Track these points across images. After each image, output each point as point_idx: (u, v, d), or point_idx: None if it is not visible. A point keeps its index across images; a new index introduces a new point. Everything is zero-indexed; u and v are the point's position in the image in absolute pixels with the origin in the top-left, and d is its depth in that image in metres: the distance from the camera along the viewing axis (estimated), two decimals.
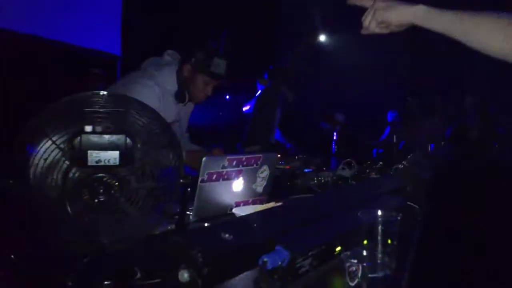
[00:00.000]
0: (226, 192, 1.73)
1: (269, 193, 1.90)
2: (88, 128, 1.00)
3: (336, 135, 4.58)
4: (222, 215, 1.72)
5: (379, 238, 1.13)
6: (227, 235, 0.87)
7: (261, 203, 1.83)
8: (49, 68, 3.99)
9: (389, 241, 1.15)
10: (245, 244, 0.89)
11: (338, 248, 1.14)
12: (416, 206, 1.72)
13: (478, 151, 4.04)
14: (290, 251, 0.93)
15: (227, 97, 6.35)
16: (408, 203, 1.73)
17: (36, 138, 1.02)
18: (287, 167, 2.59)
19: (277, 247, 0.94)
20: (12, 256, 1.08)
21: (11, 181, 1.01)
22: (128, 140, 1.03)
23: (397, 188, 1.73)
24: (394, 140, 4.06)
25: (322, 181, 2.34)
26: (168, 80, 2.29)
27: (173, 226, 1.34)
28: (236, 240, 0.87)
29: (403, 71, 5.95)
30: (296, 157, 3.02)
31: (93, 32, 4.84)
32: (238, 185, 1.76)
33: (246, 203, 1.81)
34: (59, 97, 1.08)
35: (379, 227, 1.12)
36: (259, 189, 1.86)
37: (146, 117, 1.09)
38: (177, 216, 1.67)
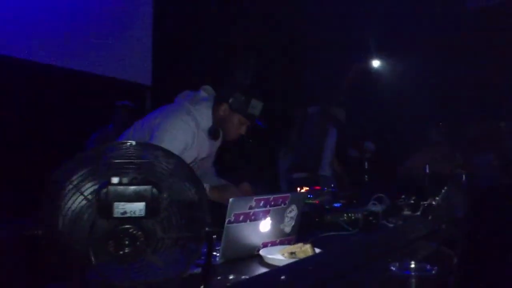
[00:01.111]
0: (253, 233, 1.71)
1: (297, 233, 1.87)
2: (115, 180, 1.00)
3: (367, 164, 4.49)
4: (249, 256, 1.69)
5: None
6: None
7: (289, 243, 1.79)
8: (77, 101, 4.09)
9: None
10: None
11: None
12: (451, 251, 1.64)
13: None
14: None
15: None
16: (443, 249, 1.66)
17: (64, 188, 1.02)
18: (316, 202, 2.55)
19: None
20: None
21: (40, 231, 1.02)
22: (155, 190, 1.02)
23: (431, 231, 1.66)
24: (427, 170, 3.93)
25: (352, 218, 2.28)
26: (204, 117, 2.30)
27: (199, 270, 1.32)
28: None
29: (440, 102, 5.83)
30: (325, 189, 2.96)
31: (123, 62, 4.94)
32: (265, 225, 1.74)
33: (273, 243, 1.78)
34: (89, 130, 1.09)
35: (413, 281, 1.07)
36: (287, 229, 1.82)
37: (173, 166, 1.08)
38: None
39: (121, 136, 2.34)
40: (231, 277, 1.37)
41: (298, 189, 2.91)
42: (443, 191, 2.44)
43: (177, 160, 1.10)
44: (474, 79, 5.42)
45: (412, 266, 1.09)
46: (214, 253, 1.67)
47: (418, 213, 2.21)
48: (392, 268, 1.08)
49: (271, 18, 5.63)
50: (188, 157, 2.27)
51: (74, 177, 1.02)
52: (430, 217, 2.07)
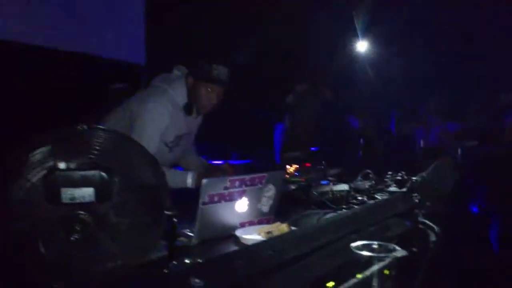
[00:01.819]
0: (229, 213, 1.69)
1: (275, 212, 1.84)
2: (62, 165, 0.97)
3: (362, 140, 4.45)
4: (225, 237, 1.67)
5: (375, 273, 1.05)
6: (197, 281, 0.82)
7: (268, 222, 1.78)
8: (70, 83, 4.05)
9: (387, 272, 1.07)
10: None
11: (331, 284, 1.07)
12: (433, 226, 1.61)
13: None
14: None
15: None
16: (424, 222, 1.63)
17: (13, 174, 1.00)
18: (302, 179, 2.52)
19: None
20: None
21: None
22: (104, 174, 0.99)
23: (410, 208, 1.63)
24: (422, 144, 3.89)
25: (338, 195, 2.25)
26: (178, 94, 2.34)
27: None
28: (207, 286, 0.82)
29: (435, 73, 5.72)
30: (315, 167, 2.93)
31: (116, 42, 4.87)
32: (242, 205, 1.71)
33: (252, 223, 1.76)
34: (76, 115, 1.07)
35: (375, 261, 1.05)
36: (265, 208, 1.80)
37: (125, 150, 1.05)
38: (182, 238, 1.66)
39: (103, 123, 2.33)
40: (201, 258, 1.35)
41: (288, 166, 2.88)
42: (431, 166, 2.40)
43: (131, 143, 1.07)
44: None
45: (375, 246, 1.07)
46: (190, 233, 1.66)
47: (404, 189, 2.18)
48: (354, 247, 1.06)
49: None
50: (169, 136, 2.28)
51: (23, 164, 1.00)
52: (415, 193, 2.03)
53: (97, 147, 1.01)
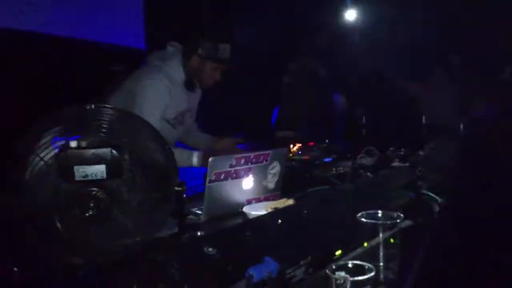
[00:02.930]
0: (236, 191, 1.72)
1: (281, 189, 1.87)
2: (73, 144, 1.00)
3: (364, 118, 4.44)
4: (233, 214, 1.71)
5: (380, 240, 1.08)
6: (210, 249, 0.85)
7: (274, 199, 1.81)
8: (68, 69, 4.04)
9: (392, 241, 1.10)
10: (229, 258, 0.87)
11: (338, 252, 1.10)
12: (437, 199, 1.64)
13: None
14: (278, 261, 0.90)
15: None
16: (428, 193, 1.66)
17: (26, 154, 1.03)
18: (306, 157, 2.54)
19: (266, 258, 0.91)
20: (15, 269, 1.10)
21: (5, 198, 1.03)
22: (114, 152, 1.02)
23: (413, 181, 1.65)
24: (423, 120, 3.89)
25: (341, 171, 2.28)
26: (175, 70, 2.32)
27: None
28: (220, 254, 0.85)
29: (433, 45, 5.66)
30: (318, 145, 2.95)
31: (115, 26, 4.85)
32: (248, 183, 1.74)
33: (258, 200, 1.79)
34: (77, 100, 1.09)
35: (380, 230, 1.08)
36: (271, 185, 1.83)
37: (134, 128, 1.07)
38: (190, 216, 1.70)
39: None
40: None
41: (292, 146, 2.90)
42: (434, 141, 2.42)
43: (139, 121, 1.09)
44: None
45: (379, 215, 1.09)
46: (198, 211, 1.69)
47: (407, 163, 2.20)
48: (360, 217, 1.09)
49: None
50: (170, 113, 2.28)
51: (34, 143, 1.02)
52: (419, 168, 2.05)
53: (107, 125, 1.04)
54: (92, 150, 1.00)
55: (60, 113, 1.06)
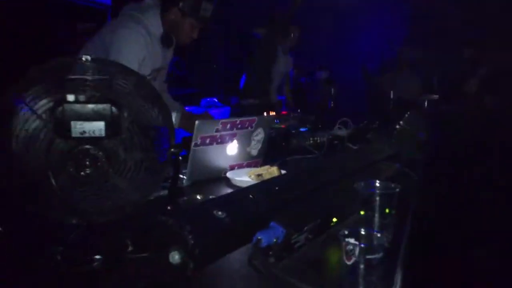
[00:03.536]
0: (220, 156, 1.69)
1: (264, 156, 1.87)
2: (71, 97, 0.93)
3: (333, 90, 4.48)
4: (216, 179, 1.69)
5: (376, 209, 1.10)
6: (219, 213, 0.83)
7: (256, 166, 1.80)
8: (34, 24, 3.81)
9: (387, 211, 1.13)
10: (238, 222, 0.86)
11: (334, 220, 1.11)
12: (413, 174, 1.69)
13: (477, 109, 3.95)
14: (285, 227, 0.90)
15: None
16: (405, 169, 1.70)
17: (16, 108, 0.95)
18: (282, 126, 2.54)
19: (272, 224, 0.90)
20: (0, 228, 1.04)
21: None
22: (114, 109, 0.96)
23: (394, 154, 1.69)
24: (391, 95, 3.98)
25: (318, 141, 2.30)
26: (153, 23, 2.19)
27: (166, 192, 1.30)
28: (229, 218, 0.84)
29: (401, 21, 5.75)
30: (291, 115, 2.96)
31: None
32: (232, 148, 1.72)
33: (240, 166, 1.78)
34: (46, 58, 1.01)
35: (377, 199, 1.09)
36: (254, 152, 1.82)
37: (133, 84, 1.02)
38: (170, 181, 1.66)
39: None
40: (198, 197, 1.37)
41: (265, 113, 2.89)
42: (405, 115, 2.48)
43: (137, 77, 1.04)
44: None
45: (377, 184, 1.11)
46: (181, 176, 1.66)
47: (381, 136, 2.24)
48: (357, 186, 1.10)
49: None
50: (146, 68, 2.17)
51: (27, 96, 0.95)
52: (393, 141, 2.10)
53: (106, 80, 0.97)
54: (91, 105, 0.94)
55: (53, 64, 0.98)
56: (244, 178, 1.63)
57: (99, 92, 0.96)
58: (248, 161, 1.80)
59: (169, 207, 1.18)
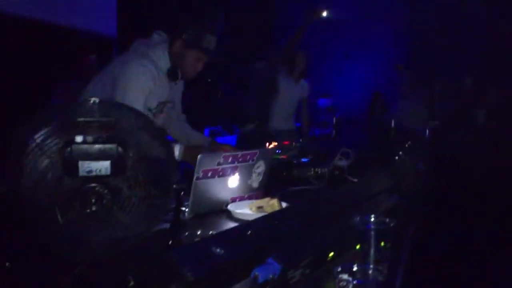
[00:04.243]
0: (221, 189, 1.73)
1: (265, 187, 1.91)
2: (79, 138, 0.99)
3: (334, 120, 4.53)
4: (218, 211, 1.72)
5: (372, 244, 1.13)
6: (218, 250, 0.87)
7: (257, 198, 1.84)
8: (39, 53, 3.92)
9: (383, 244, 1.16)
10: (236, 258, 0.90)
11: (331, 254, 1.15)
12: (410, 205, 1.72)
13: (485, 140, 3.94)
14: (281, 263, 0.93)
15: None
16: (402, 202, 1.73)
17: (26, 147, 1.01)
18: (284, 156, 2.59)
19: (269, 260, 0.94)
20: (7, 264, 1.08)
21: (4, 191, 1.01)
22: (120, 149, 1.02)
23: (393, 186, 1.72)
24: (392, 124, 4.02)
25: (319, 172, 2.33)
26: (161, 58, 2.27)
27: (168, 226, 1.34)
28: (227, 254, 0.87)
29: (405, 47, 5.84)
30: (293, 144, 3.01)
31: (87, 12, 4.73)
32: (233, 181, 1.76)
33: (242, 198, 1.81)
34: (53, 89, 1.07)
35: (372, 234, 1.13)
36: (255, 184, 1.86)
37: (138, 124, 1.07)
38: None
39: (84, 94, 2.28)
40: (198, 232, 1.40)
41: (267, 144, 2.94)
42: (406, 145, 2.52)
43: (142, 117, 1.09)
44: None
45: (372, 220, 1.14)
46: (183, 209, 1.70)
47: (382, 167, 2.28)
48: (353, 222, 1.13)
49: None
50: (152, 101, 2.24)
51: (37, 136, 1.00)
52: (393, 171, 2.14)
53: (113, 121, 1.03)
54: (98, 146, 0.99)
55: (63, 106, 1.04)
56: (245, 210, 1.67)
57: (106, 132, 1.01)
58: (249, 193, 1.84)
59: (170, 242, 1.22)
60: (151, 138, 1.10)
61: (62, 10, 4.39)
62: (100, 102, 1.05)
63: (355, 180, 2.06)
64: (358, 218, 1.15)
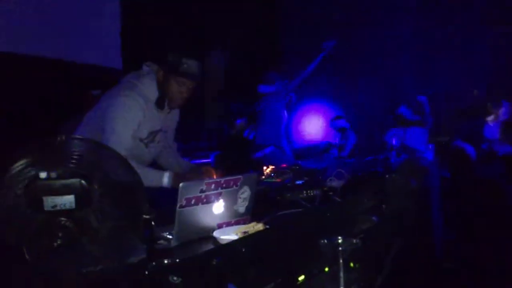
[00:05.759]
0: (206, 215, 1.74)
1: (252, 213, 1.91)
2: (43, 175, 1.03)
3: (339, 139, 4.53)
4: (204, 238, 1.73)
5: (341, 265, 1.14)
6: (175, 278, 0.89)
7: (244, 223, 1.84)
8: (45, 89, 4.03)
9: (352, 265, 1.16)
10: (193, 286, 0.91)
11: (301, 278, 1.15)
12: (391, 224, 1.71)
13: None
14: None
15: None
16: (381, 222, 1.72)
17: None
18: (278, 180, 2.60)
19: (230, 286, 0.95)
20: None
21: None
22: (83, 182, 1.05)
23: (376, 204, 1.72)
24: (393, 142, 4.01)
25: (311, 194, 2.33)
26: (149, 89, 2.30)
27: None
28: (184, 283, 0.89)
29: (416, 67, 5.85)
30: (291, 167, 3.02)
31: (92, 46, 4.87)
32: (218, 207, 1.78)
33: (228, 224, 1.82)
34: (58, 125, 1.12)
35: (339, 255, 1.13)
36: (241, 209, 1.86)
37: (103, 157, 1.11)
38: (161, 241, 1.72)
39: (78, 128, 2.34)
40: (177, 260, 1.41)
41: (264, 167, 2.95)
42: (399, 165, 2.52)
43: (107, 150, 1.13)
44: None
45: (339, 241, 1.15)
46: (169, 236, 1.72)
47: (371, 186, 2.27)
48: (321, 243, 1.14)
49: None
50: (143, 131, 2.28)
51: (5, 175, 1.05)
52: (384, 191, 2.13)
53: (76, 156, 1.07)
54: (62, 181, 1.03)
55: (31, 145, 1.08)
56: (230, 236, 1.67)
57: (70, 168, 1.05)
58: (236, 218, 1.85)
59: (146, 272, 1.24)
60: (118, 170, 1.13)
61: (66, 45, 4.51)
62: (66, 138, 1.09)
63: (339, 200, 2.05)
64: (325, 240, 1.16)
